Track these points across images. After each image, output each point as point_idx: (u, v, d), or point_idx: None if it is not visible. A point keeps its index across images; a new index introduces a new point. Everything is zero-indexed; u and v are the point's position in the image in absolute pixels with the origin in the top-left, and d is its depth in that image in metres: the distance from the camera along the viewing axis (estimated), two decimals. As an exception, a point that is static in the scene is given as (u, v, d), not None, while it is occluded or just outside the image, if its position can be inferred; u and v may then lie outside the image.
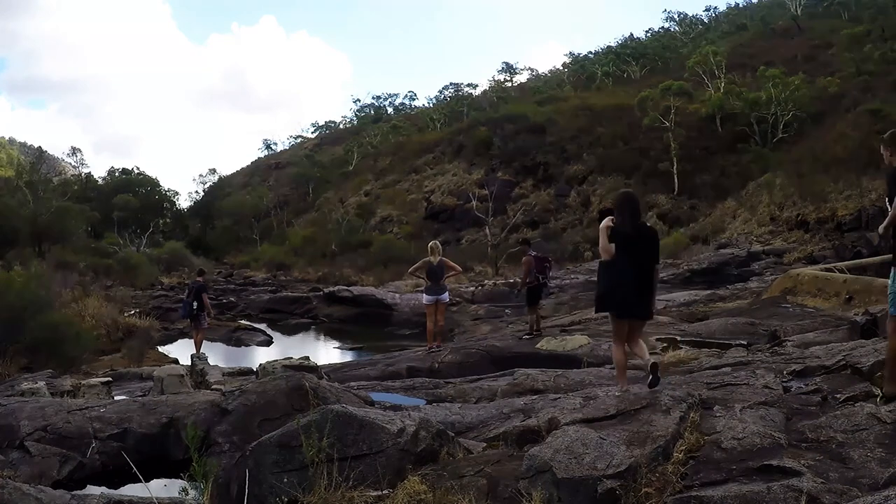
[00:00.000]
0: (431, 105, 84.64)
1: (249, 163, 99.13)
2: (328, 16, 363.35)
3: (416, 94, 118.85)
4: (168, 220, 66.87)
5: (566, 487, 3.20)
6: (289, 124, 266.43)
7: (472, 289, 24.84)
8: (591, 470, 3.25)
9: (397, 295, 23.06)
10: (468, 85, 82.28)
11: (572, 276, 24.68)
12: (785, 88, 36.57)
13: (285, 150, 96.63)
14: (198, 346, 13.28)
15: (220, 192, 70.47)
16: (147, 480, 3.90)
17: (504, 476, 3.57)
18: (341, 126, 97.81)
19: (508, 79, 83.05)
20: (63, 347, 11.92)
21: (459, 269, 12.08)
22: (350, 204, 54.19)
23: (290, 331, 22.22)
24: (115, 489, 4.79)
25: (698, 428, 3.90)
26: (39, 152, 61.70)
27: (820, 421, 3.92)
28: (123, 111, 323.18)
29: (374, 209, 51.06)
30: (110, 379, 9.28)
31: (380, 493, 3.45)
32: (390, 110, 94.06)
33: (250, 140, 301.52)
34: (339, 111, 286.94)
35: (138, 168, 71.97)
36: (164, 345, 17.68)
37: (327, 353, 17.59)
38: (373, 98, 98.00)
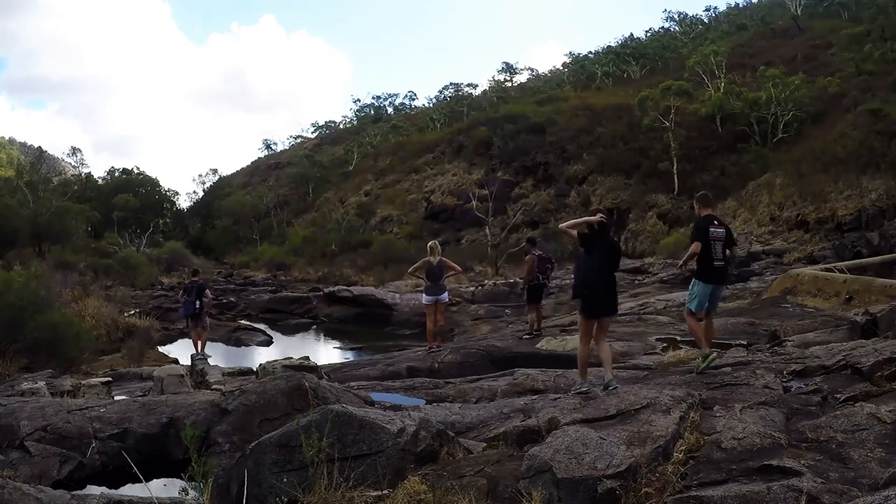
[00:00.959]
0: (431, 105, 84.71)
1: (249, 163, 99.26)
2: (328, 15, 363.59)
3: (416, 94, 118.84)
4: (168, 220, 66.92)
5: (566, 487, 3.20)
6: (289, 124, 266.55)
7: (472, 289, 24.85)
8: (591, 470, 3.25)
9: (397, 295, 23.07)
10: (468, 85, 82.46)
11: (572, 276, 24.67)
12: (785, 88, 36.55)
13: (285, 150, 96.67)
14: (202, 346, 13.28)
15: (220, 192, 70.47)
16: (147, 480, 3.90)
17: (504, 476, 3.57)
18: (341, 126, 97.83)
19: (508, 79, 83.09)
20: (63, 347, 11.91)
21: (459, 268, 12.08)
22: (350, 204, 54.19)
23: (290, 331, 22.22)
24: (115, 489, 4.79)
25: (698, 428, 3.90)
26: (39, 152, 61.73)
27: (820, 421, 3.92)
28: (123, 111, 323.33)
29: (374, 209, 51.06)
30: (110, 379, 9.28)
31: (380, 493, 3.45)
32: (390, 110, 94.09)
33: (250, 140, 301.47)
34: (339, 111, 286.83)
35: (138, 168, 72.09)
36: (164, 345, 17.68)
37: (327, 353, 17.60)
38: (373, 98, 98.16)
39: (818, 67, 43.26)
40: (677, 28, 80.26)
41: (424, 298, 10.83)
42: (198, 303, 13.20)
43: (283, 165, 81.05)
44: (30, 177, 48.72)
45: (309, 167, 67.71)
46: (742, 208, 32.25)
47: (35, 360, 11.49)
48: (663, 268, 25.82)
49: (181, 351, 15.86)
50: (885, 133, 28.15)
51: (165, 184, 75.88)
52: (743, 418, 4.01)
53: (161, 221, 62.35)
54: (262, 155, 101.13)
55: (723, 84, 42.19)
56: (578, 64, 76.38)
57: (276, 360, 9.29)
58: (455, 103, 74.27)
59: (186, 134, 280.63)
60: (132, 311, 20.80)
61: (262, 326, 21.61)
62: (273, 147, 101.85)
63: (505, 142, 48.43)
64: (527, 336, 11.38)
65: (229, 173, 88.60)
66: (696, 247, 6.45)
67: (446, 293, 10.99)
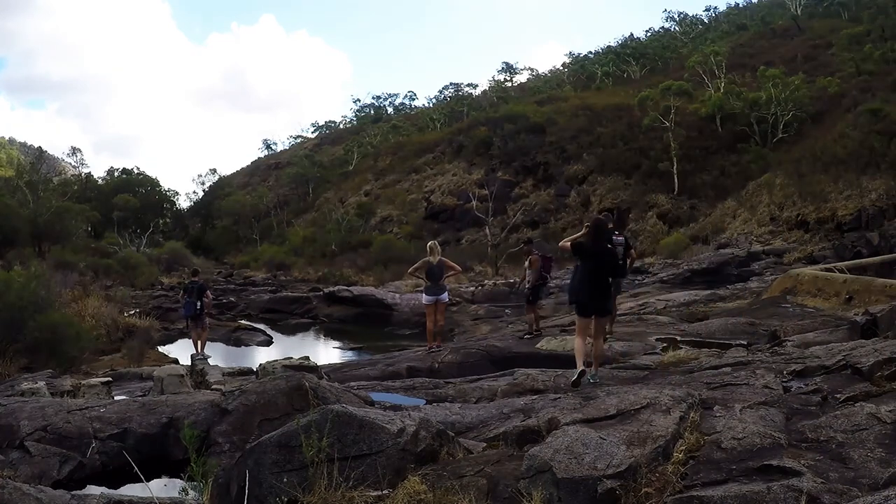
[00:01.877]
0: (431, 105, 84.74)
1: (249, 163, 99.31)
2: (328, 15, 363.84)
3: (416, 94, 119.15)
4: (168, 220, 66.91)
5: (566, 487, 3.20)
6: (289, 124, 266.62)
7: (472, 289, 24.85)
8: (591, 470, 3.25)
9: (397, 295, 23.07)
10: (468, 85, 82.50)
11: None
12: (785, 88, 36.55)
13: (285, 150, 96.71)
14: (202, 346, 13.28)
15: (220, 192, 70.46)
16: (147, 480, 3.90)
17: (504, 476, 3.57)
18: (341, 126, 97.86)
19: (508, 79, 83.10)
20: (63, 347, 11.91)
21: (459, 268, 12.08)
22: (350, 204, 54.18)
23: (290, 331, 22.22)
24: (115, 489, 4.78)
25: (698, 428, 3.90)
26: (39, 152, 61.70)
27: (820, 421, 3.92)
28: (123, 111, 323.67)
29: (374, 209, 51.05)
30: (110, 379, 9.28)
31: (380, 493, 3.45)
32: (390, 110, 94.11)
33: (250, 140, 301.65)
34: (339, 111, 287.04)
35: (138, 168, 72.09)
36: (164, 345, 17.67)
37: (327, 353, 17.59)
38: (373, 98, 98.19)
39: (818, 67, 43.27)
40: (677, 28, 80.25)
41: (424, 298, 10.83)
42: (198, 303, 13.21)
43: (283, 165, 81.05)
44: (30, 177, 48.73)
45: (309, 167, 67.71)
46: (742, 208, 32.25)
47: (35, 360, 11.49)
48: (663, 268, 25.83)
49: (181, 351, 15.86)
50: (885, 133, 28.15)
51: (165, 184, 76.01)
52: (743, 418, 4.01)
53: (161, 221, 62.35)
54: (262, 155, 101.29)
55: (723, 84, 42.20)
56: (578, 64, 76.41)
57: (276, 360, 9.29)
58: (455, 103, 74.26)
59: (186, 134, 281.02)
60: (132, 311, 20.80)
61: (262, 326, 21.61)
62: (273, 147, 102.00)
63: (505, 142, 48.43)
64: (527, 336, 11.38)
65: (229, 173, 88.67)
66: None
67: (446, 293, 10.99)
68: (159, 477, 5.14)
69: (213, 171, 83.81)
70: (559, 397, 5.63)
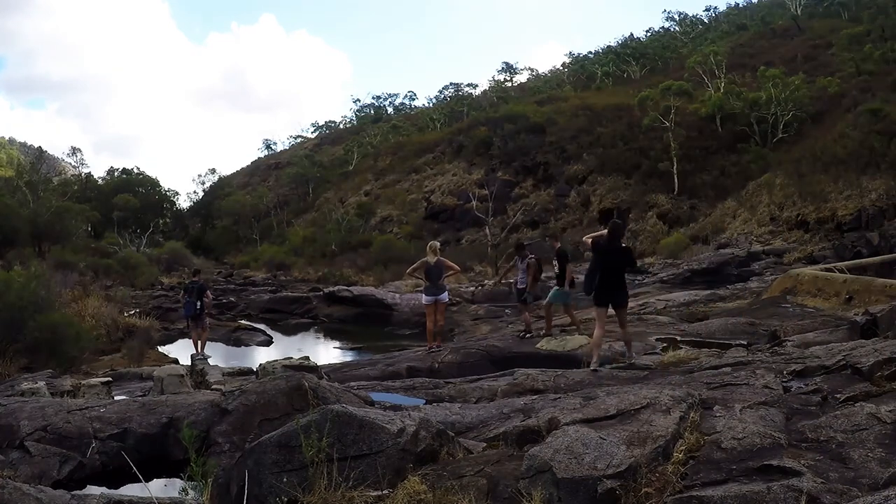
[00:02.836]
0: (431, 105, 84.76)
1: (249, 163, 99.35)
2: (328, 15, 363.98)
3: (416, 94, 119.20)
4: (168, 220, 66.91)
5: (566, 487, 3.20)
6: (289, 124, 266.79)
7: (472, 289, 24.84)
8: (591, 470, 3.25)
9: (397, 295, 23.06)
10: (468, 85, 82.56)
11: (573, 276, 24.62)
12: (785, 88, 36.55)
13: (285, 150, 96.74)
14: (202, 346, 13.28)
15: (220, 192, 70.47)
16: (147, 480, 3.90)
17: (504, 476, 3.57)
18: (341, 126, 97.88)
19: (508, 79, 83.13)
20: (63, 347, 11.90)
21: (458, 268, 12.09)
22: (350, 204, 54.18)
23: (290, 331, 22.22)
24: (115, 489, 4.78)
25: (698, 428, 3.90)
26: (39, 152, 61.81)
27: (820, 421, 3.92)
28: (123, 111, 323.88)
29: (374, 209, 51.05)
30: (110, 379, 9.28)
31: (380, 493, 3.45)
32: (390, 110, 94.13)
33: (250, 140, 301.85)
34: (339, 111, 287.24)
35: (138, 168, 72.09)
36: (164, 345, 17.67)
37: (327, 353, 17.59)
38: (373, 98, 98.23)
39: (818, 67, 43.28)
40: (677, 28, 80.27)
41: (424, 298, 10.84)
42: (198, 303, 13.22)
43: (283, 165, 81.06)
44: (30, 177, 48.81)
45: (309, 167, 67.72)
46: (742, 208, 32.26)
47: (35, 360, 11.48)
48: (663, 268, 25.82)
49: (181, 351, 15.86)
50: (885, 133, 28.16)
51: (165, 184, 76.04)
52: (743, 418, 4.01)
53: (161, 221, 62.35)
54: (262, 155, 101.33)
55: (723, 84, 42.20)
56: (578, 64, 76.43)
57: (276, 360, 9.29)
58: (455, 103, 74.28)
59: (186, 134, 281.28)
60: (132, 311, 20.79)
61: (262, 326, 21.60)
62: (273, 147, 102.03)
63: (505, 142, 48.42)
64: (528, 336, 11.40)
65: (229, 173, 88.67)
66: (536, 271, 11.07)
67: (446, 293, 10.99)
68: (159, 477, 5.14)
69: (213, 171, 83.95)
70: (559, 397, 5.63)
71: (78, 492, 4.30)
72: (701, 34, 71.80)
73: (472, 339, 14.20)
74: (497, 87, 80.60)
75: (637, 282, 23.31)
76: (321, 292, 26.00)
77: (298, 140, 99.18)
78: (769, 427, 3.82)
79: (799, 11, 61.65)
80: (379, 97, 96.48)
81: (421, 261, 10.86)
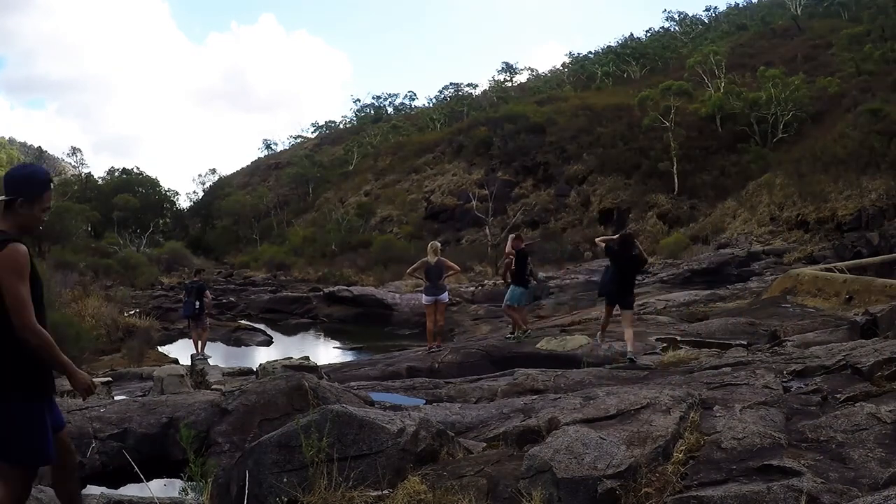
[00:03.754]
0: (431, 105, 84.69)
1: (249, 163, 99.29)
2: (328, 14, 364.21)
3: (416, 94, 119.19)
4: (168, 219, 66.89)
5: (566, 487, 3.20)
6: (289, 124, 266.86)
7: (472, 289, 24.85)
8: (591, 470, 3.25)
9: (397, 295, 23.07)
10: (468, 85, 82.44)
11: (572, 276, 24.65)
12: (785, 88, 36.55)
13: (285, 150, 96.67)
14: (202, 346, 13.29)
15: (220, 192, 70.45)
16: (147, 480, 3.90)
17: (504, 476, 3.57)
18: (341, 126, 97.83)
19: (508, 79, 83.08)
20: (63, 347, 11.88)
21: (458, 268, 12.10)
22: (350, 204, 54.18)
23: (290, 331, 22.23)
24: (115, 489, 4.78)
25: (698, 428, 3.90)
26: (39, 152, 61.85)
27: (820, 421, 3.92)
28: (123, 111, 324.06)
29: (374, 209, 51.04)
30: (110, 379, 9.29)
31: (380, 493, 3.45)
32: (390, 110, 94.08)
33: (250, 140, 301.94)
34: (339, 111, 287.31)
35: (138, 168, 72.05)
36: (164, 345, 17.68)
37: (327, 353, 17.60)
38: (373, 98, 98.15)
39: (818, 67, 43.27)
40: (677, 28, 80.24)
41: (424, 299, 10.84)
42: (197, 303, 13.22)
43: (283, 165, 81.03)
44: (30, 177, 48.59)
45: (309, 167, 67.70)
46: (742, 208, 32.26)
47: (35, 360, 11.47)
48: (663, 268, 25.82)
49: (181, 351, 15.87)
50: (885, 133, 28.15)
51: (165, 184, 76.00)
52: (743, 418, 4.01)
53: (161, 221, 62.34)
54: (262, 155, 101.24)
55: (723, 84, 42.19)
56: (578, 64, 76.40)
57: (276, 360, 9.30)
58: (455, 103, 74.24)
59: (186, 134, 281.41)
60: (132, 311, 20.81)
61: (262, 326, 21.61)
62: (273, 147, 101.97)
63: (505, 142, 48.41)
64: (509, 336, 11.44)
65: (229, 173, 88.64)
66: (506, 269, 11.03)
67: (446, 293, 11.00)
68: (159, 477, 5.14)
69: (213, 171, 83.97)
70: (559, 397, 5.63)
71: (78, 492, 4.29)
72: (701, 34, 71.77)
73: (472, 339, 14.22)
74: (497, 87, 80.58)
75: (637, 282, 23.31)
76: (321, 292, 26.01)
77: (298, 140, 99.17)
78: (769, 427, 3.82)
79: (799, 11, 61.65)
80: (379, 97, 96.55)
81: (421, 261, 10.87)
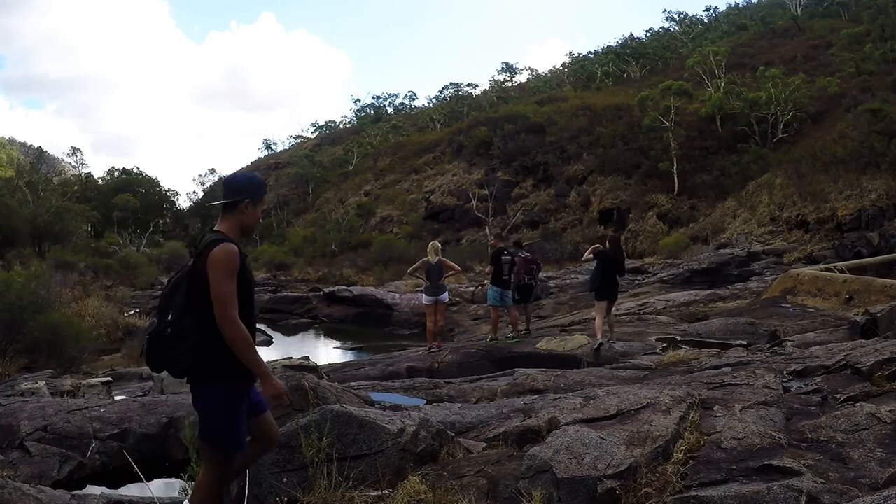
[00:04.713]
0: (431, 105, 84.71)
1: (249, 163, 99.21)
2: (327, 13, 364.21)
3: (416, 94, 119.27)
4: (168, 219, 66.88)
5: (566, 487, 3.20)
6: (289, 124, 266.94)
7: (472, 289, 24.83)
8: (591, 470, 3.25)
9: (397, 295, 23.05)
10: (468, 85, 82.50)
11: (572, 276, 24.64)
12: (785, 88, 36.55)
13: (285, 150, 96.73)
14: None
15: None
16: (147, 480, 3.90)
17: (504, 476, 3.57)
18: (341, 126, 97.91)
19: (508, 79, 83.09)
20: (63, 347, 11.89)
21: (458, 268, 12.10)
22: (350, 204, 54.18)
23: (290, 331, 22.21)
24: (115, 489, 4.78)
25: (698, 428, 3.90)
26: (39, 152, 61.78)
27: (820, 421, 3.92)
28: (122, 110, 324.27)
29: (374, 209, 51.04)
30: (110, 379, 9.27)
31: (380, 493, 3.45)
32: (390, 110, 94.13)
33: (250, 140, 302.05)
34: (339, 111, 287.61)
35: (138, 168, 72.08)
36: (164, 345, 17.64)
37: (327, 353, 17.59)
38: (373, 98, 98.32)
39: (818, 67, 43.28)
40: (677, 28, 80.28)
41: (424, 299, 10.85)
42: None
43: (283, 165, 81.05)
44: (30, 177, 48.75)
45: (309, 167, 67.72)
46: (742, 208, 32.25)
47: (35, 360, 11.48)
48: (663, 268, 25.81)
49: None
50: (885, 133, 28.16)
51: (165, 184, 76.04)
52: (743, 418, 4.01)
53: (161, 221, 62.32)
54: (262, 155, 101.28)
55: (723, 84, 42.19)
56: (578, 64, 76.45)
57: (276, 360, 9.28)
58: (455, 103, 74.27)
59: (186, 134, 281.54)
60: (132, 311, 20.80)
61: (262, 326, 21.58)
62: (273, 147, 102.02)
63: (505, 142, 48.40)
64: (509, 336, 11.45)
65: (229, 173, 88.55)
66: (490, 269, 11.44)
67: (446, 293, 11.00)
68: (159, 477, 5.14)
69: (213, 171, 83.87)
70: (559, 397, 5.63)
71: (78, 492, 4.30)
72: (701, 34, 71.78)
73: (472, 339, 14.21)
74: (497, 87, 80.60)
75: (637, 282, 23.32)
76: (321, 292, 25.99)
77: (298, 140, 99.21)
78: (769, 427, 3.82)
79: (799, 11, 61.68)
80: (379, 97, 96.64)
81: (422, 261, 10.87)
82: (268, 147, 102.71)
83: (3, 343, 11.31)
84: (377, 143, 69.73)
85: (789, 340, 8.73)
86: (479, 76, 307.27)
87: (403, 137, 66.31)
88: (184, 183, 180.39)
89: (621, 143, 42.39)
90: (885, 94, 32.50)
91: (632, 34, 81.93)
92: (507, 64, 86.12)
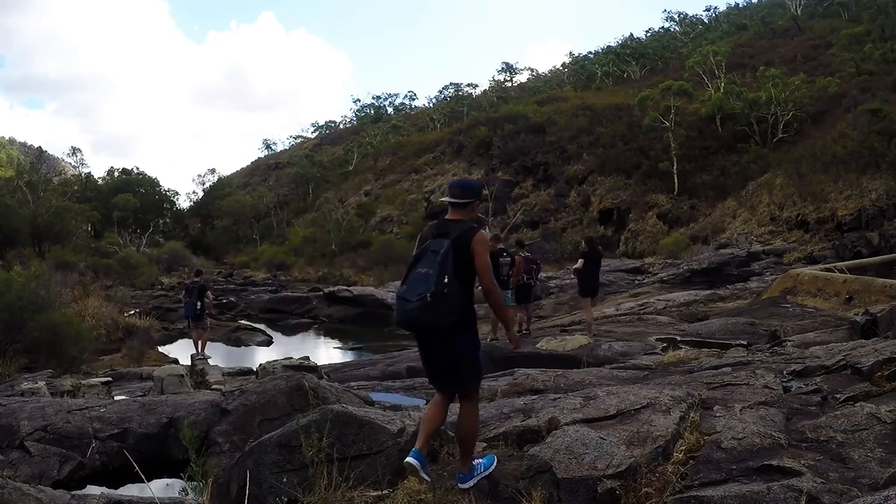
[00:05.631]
0: (431, 105, 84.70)
1: (249, 163, 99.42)
2: (327, 13, 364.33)
3: (416, 94, 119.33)
4: (168, 219, 66.83)
5: (566, 487, 3.20)
6: (289, 124, 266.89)
7: (471, 289, 24.81)
8: (591, 470, 3.25)
9: (397, 295, 23.03)
10: (468, 85, 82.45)
11: (572, 277, 24.61)
12: (785, 88, 36.53)
13: (285, 150, 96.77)
14: (202, 346, 13.28)
15: (219, 192, 70.38)
16: (147, 480, 3.90)
17: (504, 476, 3.57)
18: (341, 126, 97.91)
19: (508, 79, 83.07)
20: (63, 347, 11.90)
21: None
22: (350, 204, 54.18)
23: (290, 331, 22.20)
24: (115, 489, 4.78)
25: (698, 428, 3.90)
26: (39, 152, 61.78)
27: (820, 421, 3.92)
28: (122, 110, 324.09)
29: (374, 209, 51.04)
30: (110, 379, 9.28)
31: (380, 493, 3.45)
32: (390, 110, 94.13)
33: (250, 140, 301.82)
34: (339, 111, 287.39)
35: (138, 168, 72.02)
36: (164, 345, 17.66)
37: (327, 353, 17.59)
38: (373, 98, 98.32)
39: (818, 67, 43.27)
40: (677, 28, 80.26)
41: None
42: (198, 303, 13.22)
43: (282, 165, 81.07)
44: (30, 177, 48.76)
45: (309, 167, 67.72)
46: (742, 208, 32.25)
47: (35, 360, 11.48)
48: (663, 268, 25.81)
49: (181, 351, 15.87)
50: (885, 133, 28.15)
51: (165, 184, 76.01)
52: (743, 418, 4.00)
53: (161, 221, 62.27)
54: (261, 155, 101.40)
55: (723, 84, 42.19)
56: (578, 64, 76.45)
57: (276, 360, 9.30)
58: (455, 103, 74.27)
59: (186, 134, 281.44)
60: (132, 311, 20.80)
61: (262, 326, 21.59)
62: (273, 147, 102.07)
63: (505, 142, 48.40)
64: (525, 332, 11.46)
65: (229, 173, 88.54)
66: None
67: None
68: (159, 477, 5.14)
69: (213, 171, 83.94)
70: (559, 397, 5.62)
71: (78, 492, 4.30)
72: (701, 34, 71.78)
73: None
74: (497, 87, 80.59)
75: (637, 282, 23.32)
76: (321, 292, 25.99)
77: (298, 140, 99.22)
78: (769, 427, 3.82)
79: (799, 11, 61.68)
80: (379, 97, 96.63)
81: (421, 261, 10.86)
82: (268, 147, 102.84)
83: (3, 343, 11.32)
84: (377, 143, 69.73)
85: (789, 340, 8.73)
86: (479, 76, 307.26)
87: (403, 137, 66.31)
88: (184, 183, 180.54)
89: (621, 143, 42.38)
90: (885, 94, 32.49)
91: (632, 34, 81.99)
92: (507, 64, 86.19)
